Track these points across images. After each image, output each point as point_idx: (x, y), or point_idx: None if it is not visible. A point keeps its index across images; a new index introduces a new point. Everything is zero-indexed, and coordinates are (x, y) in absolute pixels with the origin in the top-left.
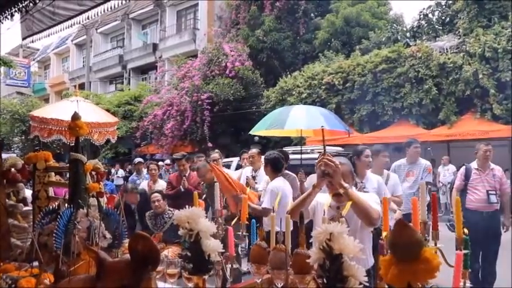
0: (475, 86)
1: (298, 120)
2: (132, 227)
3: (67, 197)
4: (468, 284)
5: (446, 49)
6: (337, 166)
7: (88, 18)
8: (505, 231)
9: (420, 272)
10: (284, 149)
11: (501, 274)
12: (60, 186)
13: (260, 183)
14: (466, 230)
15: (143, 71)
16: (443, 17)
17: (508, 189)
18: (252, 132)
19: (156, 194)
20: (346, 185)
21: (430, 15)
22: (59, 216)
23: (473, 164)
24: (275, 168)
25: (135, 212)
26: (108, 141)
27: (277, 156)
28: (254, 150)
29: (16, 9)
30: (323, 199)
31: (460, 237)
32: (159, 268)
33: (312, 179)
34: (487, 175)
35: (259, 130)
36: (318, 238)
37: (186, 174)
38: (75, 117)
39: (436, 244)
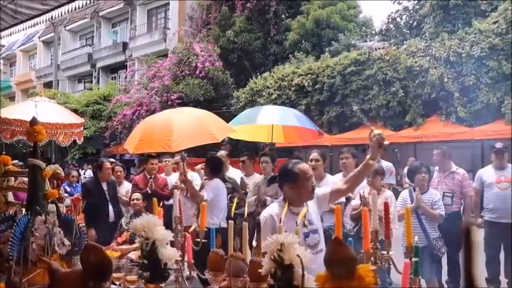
0: (441, 89)
1: (271, 115)
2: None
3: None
4: None
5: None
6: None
7: (52, 18)
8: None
9: None
10: None
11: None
12: (21, 191)
13: None
14: (416, 238)
15: (113, 70)
16: (410, 21)
17: (469, 192)
18: None
19: (137, 194)
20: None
21: (398, 19)
22: (15, 224)
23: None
24: (214, 169)
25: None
26: (74, 142)
27: (217, 158)
28: (223, 152)
29: None
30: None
31: (410, 246)
32: (119, 275)
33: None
34: (446, 177)
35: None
36: (269, 248)
37: (153, 176)
38: (34, 122)
39: (388, 252)
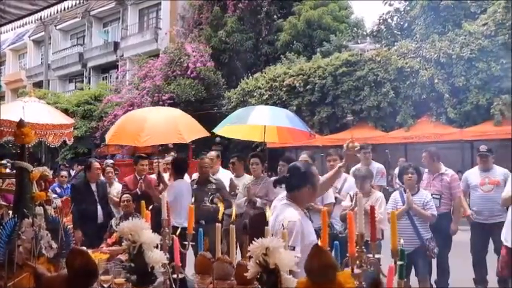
0: (431, 90)
1: (262, 116)
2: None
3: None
4: None
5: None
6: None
7: (42, 18)
8: (453, 235)
9: None
10: None
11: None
12: (9, 193)
13: None
14: (402, 241)
15: (104, 69)
16: (401, 23)
17: (458, 193)
18: (215, 130)
19: (127, 195)
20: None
21: (389, 21)
22: (1, 227)
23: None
24: (178, 171)
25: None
26: (65, 142)
27: (182, 160)
28: (213, 153)
29: None
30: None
31: (395, 249)
32: (108, 277)
33: None
34: (434, 178)
35: (223, 127)
36: (255, 252)
37: (143, 177)
38: (21, 124)
39: (374, 255)
